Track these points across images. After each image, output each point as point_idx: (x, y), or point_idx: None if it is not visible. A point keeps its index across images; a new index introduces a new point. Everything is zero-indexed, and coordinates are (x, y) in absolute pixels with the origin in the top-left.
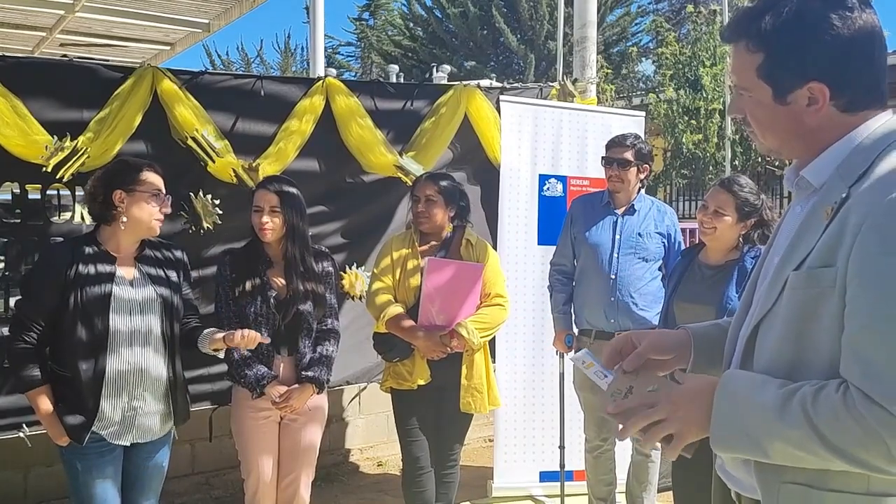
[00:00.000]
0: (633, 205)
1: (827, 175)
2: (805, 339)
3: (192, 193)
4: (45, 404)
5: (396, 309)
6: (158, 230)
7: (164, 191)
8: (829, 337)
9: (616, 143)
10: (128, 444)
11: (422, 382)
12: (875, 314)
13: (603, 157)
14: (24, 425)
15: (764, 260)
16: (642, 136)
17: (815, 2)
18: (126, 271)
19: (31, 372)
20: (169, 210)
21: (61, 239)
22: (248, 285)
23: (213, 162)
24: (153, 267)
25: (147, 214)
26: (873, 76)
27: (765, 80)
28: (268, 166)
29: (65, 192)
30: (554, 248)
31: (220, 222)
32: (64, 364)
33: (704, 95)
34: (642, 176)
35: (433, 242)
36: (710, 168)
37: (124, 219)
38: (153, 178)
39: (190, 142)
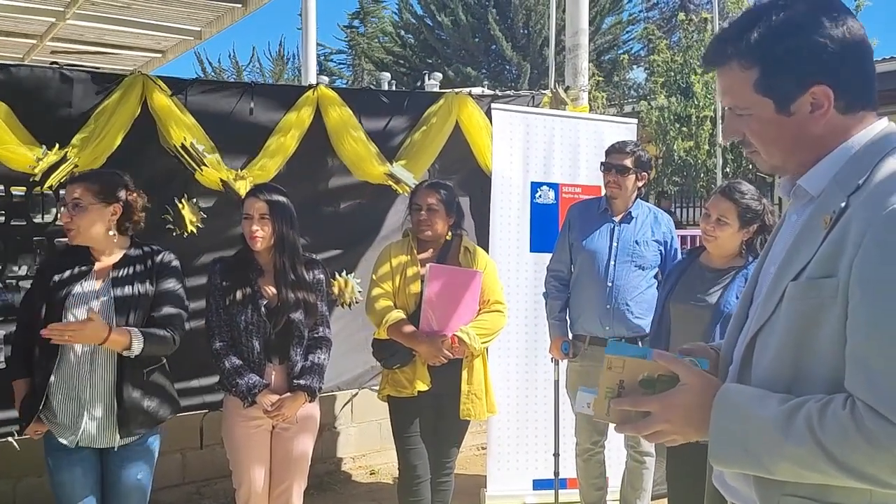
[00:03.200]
0: (630, 212)
1: (824, 184)
2: (805, 349)
3: (176, 198)
4: (19, 395)
5: (398, 314)
6: (72, 239)
7: (68, 200)
8: (831, 347)
9: (616, 150)
10: (73, 445)
11: (422, 388)
12: (878, 326)
13: (602, 163)
14: (14, 433)
15: (759, 270)
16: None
17: (800, 6)
18: (96, 282)
19: (17, 363)
20: (67, 219)
21: (41, 238)
22: (238, 294)
23: (202, 172)
24: (124, 269)
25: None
26: (867, 74)
27: (764, 94)
28: (257, 174)
29: (48, 193)
30: (546, 255)
31: (202, 226)
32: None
33: (696, 103)
34: (640, 184)
35: (431, 249)
36: (702, 175)
37: None
38: (68, 191)
39: (180, 150)
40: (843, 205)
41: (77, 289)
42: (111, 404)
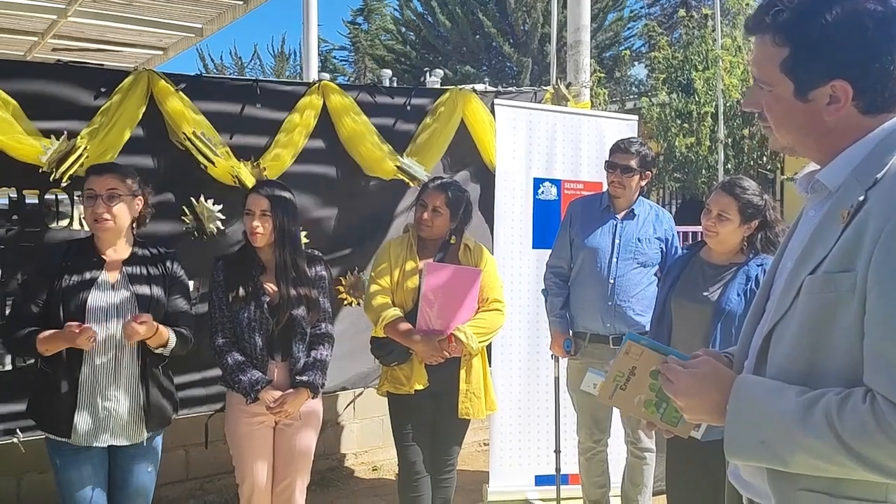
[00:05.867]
0: (632, 209)
1: (843, 178)
2: (821, 344)
3: (193, 199)
4: (51, 334)
5: (394, 312)
6: (104, 229)
7: (102, 191)
8: (848, 342)
9: (621, 149)
10: (105, 445)
11: (419, 387)
12: None
13: (606, 161)
14: (17, 430)
15: (777, 265)
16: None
17: None
18: (110, 274)
19: (30, 341)
20: (102, 210)
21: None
22: (241, 291)
23: (214, 165)
24: (138, 266)
25: (88, 218)
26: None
27: (787, 75)
28: (270, 164)
29: (62, 196)
30: (549, 251)
31: (222, 227)
32: (47, 362)
33: (697, 99)
34: (644, 182)
35: (432, 246)
36: (703, 171)
37: (84, 226)
38: (91, 181)
39: (187, 143)
40: (860, 199)
41: (99, 290)
42: (138, 395)
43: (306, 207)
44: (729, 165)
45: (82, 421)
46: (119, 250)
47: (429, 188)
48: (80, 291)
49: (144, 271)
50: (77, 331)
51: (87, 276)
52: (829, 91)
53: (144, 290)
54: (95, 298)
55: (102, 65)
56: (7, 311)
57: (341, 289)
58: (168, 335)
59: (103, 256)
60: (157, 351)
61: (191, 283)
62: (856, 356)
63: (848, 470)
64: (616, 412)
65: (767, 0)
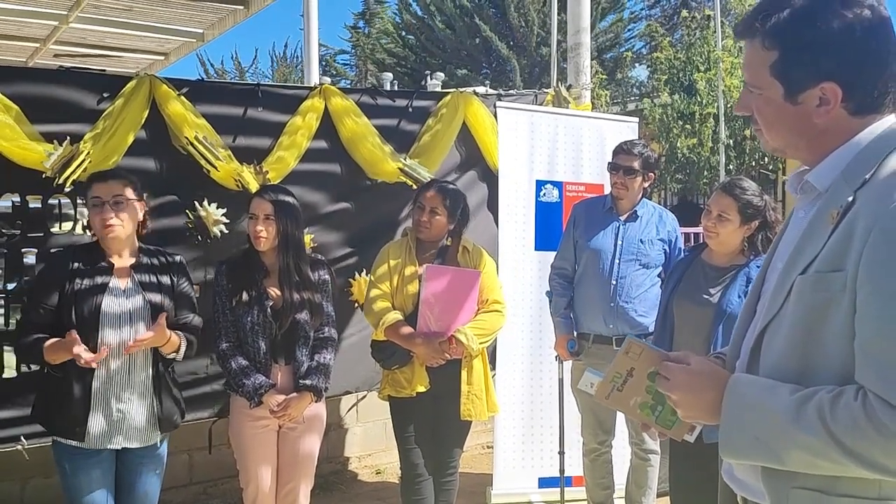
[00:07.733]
0: (635, 211)
1: (832, 179)
2: (813, 343)
3: (196, 202)
4: (55, 343)
5: (395, 316)
6: (113, 237)
7: (108, 197)
8: (840, 341)
9: (624, 151)
10: (119, 447)
11: (421, 389)
12: (888, 319)
13: (610, 163)
14: (21, 437)
15: (767, 266)
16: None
17: (833, 1)
18: (120, 280)
19: (37, 349)
20: (111, 216)
21: (59, 250)
22: (244, 295)
23: (217, 169)
24: (146, 274)
25: (96, 224)
26: (885, 80)
27: (777, 78)
28: (271, 172)
29: (66, 200)
30: (551, 253)
31: (226, 231)
32: (56, 367)
33: (699, 100)
34: (647, 184)
35: (431, 250)
36: (705, 172)
37: (91, 231)
38: (97, 189)
39: (189, 148)
40: (850, 199)
41: (111, 296)
42: (152, 398)
43: (311, 209)
44: (731, 166)
45: (96, 424)
46: (125, 256)
47: (426, 190)
48: (93, 296)
49: (154, 279)
50: (84, 356)
51: (98, 280)
52: (818, 93)
53: (156, 297)
54: (109, 304)
55: (104, 70)
56: (8, 314)
57: (350, 291)
58: (179, 341)
59: (111, 262)
60: (169, 356)
61: (195, 288)
62: (847, 355)
63: (841, 467)
64: (620, 413)
65: (756, 5)
